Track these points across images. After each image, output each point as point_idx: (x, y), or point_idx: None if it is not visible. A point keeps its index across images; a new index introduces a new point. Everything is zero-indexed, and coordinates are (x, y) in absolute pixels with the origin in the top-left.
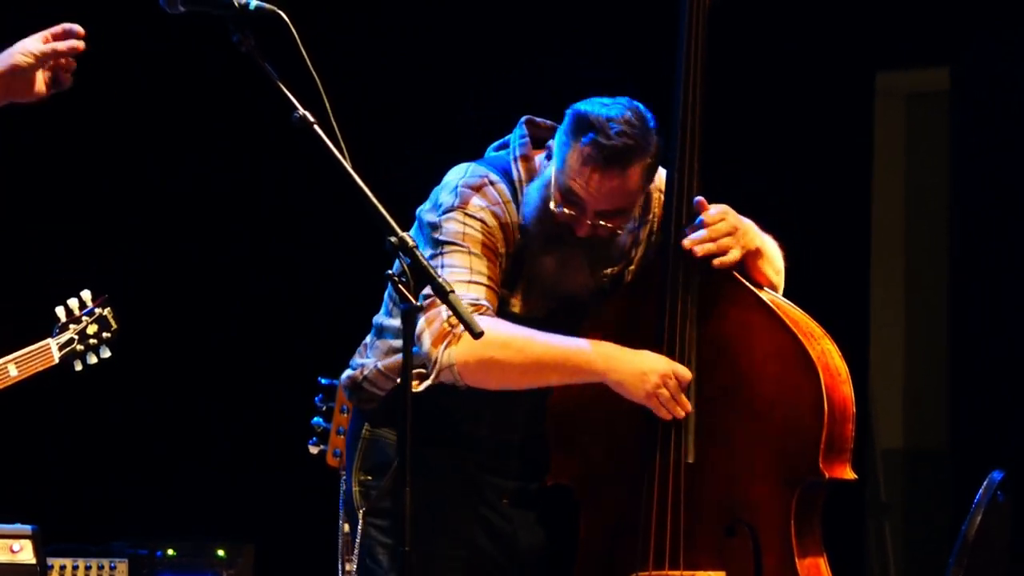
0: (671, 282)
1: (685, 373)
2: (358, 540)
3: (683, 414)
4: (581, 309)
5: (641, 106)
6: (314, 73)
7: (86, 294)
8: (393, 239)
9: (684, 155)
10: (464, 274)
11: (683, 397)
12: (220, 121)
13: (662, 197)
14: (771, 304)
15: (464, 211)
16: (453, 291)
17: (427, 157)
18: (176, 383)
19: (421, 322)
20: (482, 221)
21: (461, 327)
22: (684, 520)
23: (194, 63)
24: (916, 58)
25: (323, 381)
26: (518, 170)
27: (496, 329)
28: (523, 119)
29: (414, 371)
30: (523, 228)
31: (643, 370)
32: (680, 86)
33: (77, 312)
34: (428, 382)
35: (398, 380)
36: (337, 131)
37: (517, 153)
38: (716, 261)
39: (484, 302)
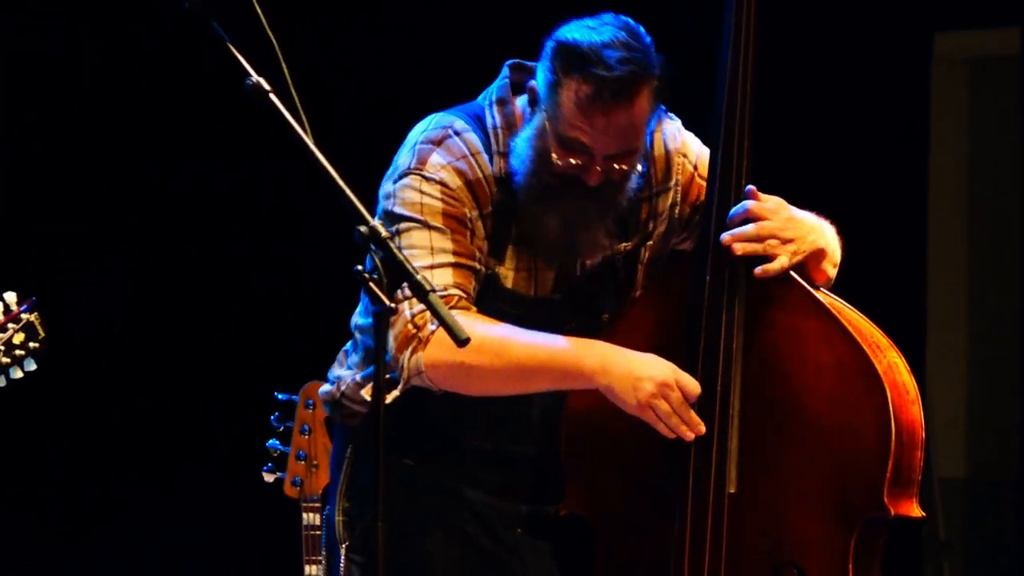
0: (712, 280)
1: (692, 386)
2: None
3: (691, 436)
4: (587, 293)
5: (629, 20)
6: (271, 34)
7: (11, 296)
8: (363, 228)
9: (732, 136)
10: (425, 256)
11: (692, 414)
12: (204, 119)
13: (686, 163)
14: (830, 308)
15: (420, 173)
16: (433, 290)
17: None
18: (104, 398)
19: (389, 338)
20: (442, 184)
21: (429, 327)
22: (724, 561)
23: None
24: (980, 17)
25: (280, 397)
26: (492, 116)
27: (469, 329)
28: (509, 62)
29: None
30: (514, 185)
31: (638, 376)
32: (728, 54)
33: (1, 319)
34: (397, 392)
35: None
36: (298, 102)
37: (493, 97)
38: (758, 270)
39: (453, 291)
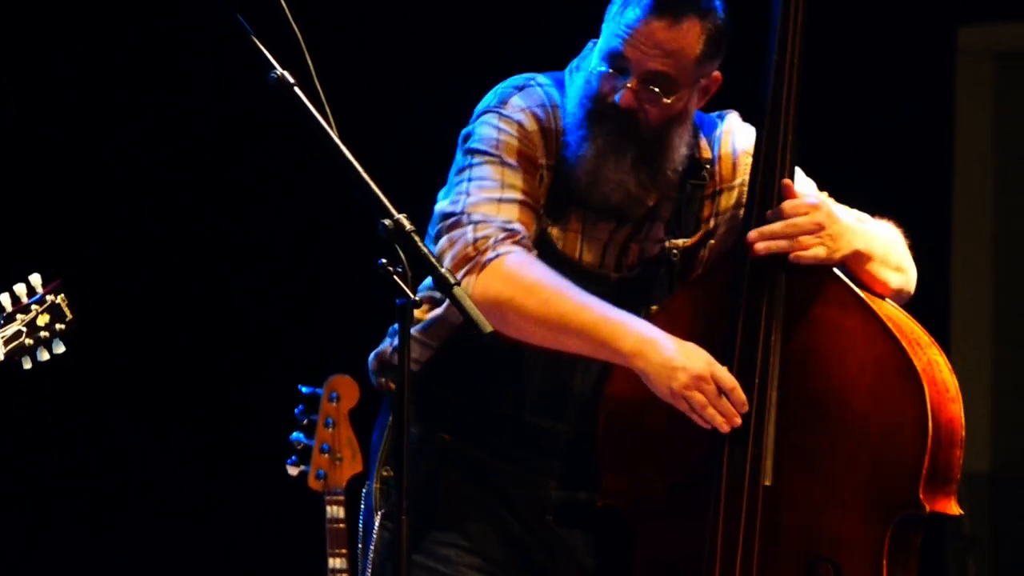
0: (752, 274)
1: (727, 379)
2: (372, 546)
3: (727, 428)
4: (640, 282)
5: None
6: (294, 26)
7: (35, 279)
8: (387, 222)
9: (776, 128)
10: (494, 189)
11: (727, 405)
12: (202, 100)
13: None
14: (871, 304)
15: (500, 112)
16: (458, 283)
17: (432, 130)
18: (125, 390)
19: (443, 241)
20: (519, 124)
21: (489, 254)
22: (757, 554)
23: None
24: (1006, 10)
25: (304, 390)
26: (571, 79)
27: (526, 268)
28: (593, 41)
29: (427, 295)
30: (568, 140)
31: (674, 364)
32: (775, 49)
33: (25, 300)
34: (439, 311)
35: (435, 345)
36: (322, 95)
37: (575, 65)
38: (792, 256)
39: (516, 226)
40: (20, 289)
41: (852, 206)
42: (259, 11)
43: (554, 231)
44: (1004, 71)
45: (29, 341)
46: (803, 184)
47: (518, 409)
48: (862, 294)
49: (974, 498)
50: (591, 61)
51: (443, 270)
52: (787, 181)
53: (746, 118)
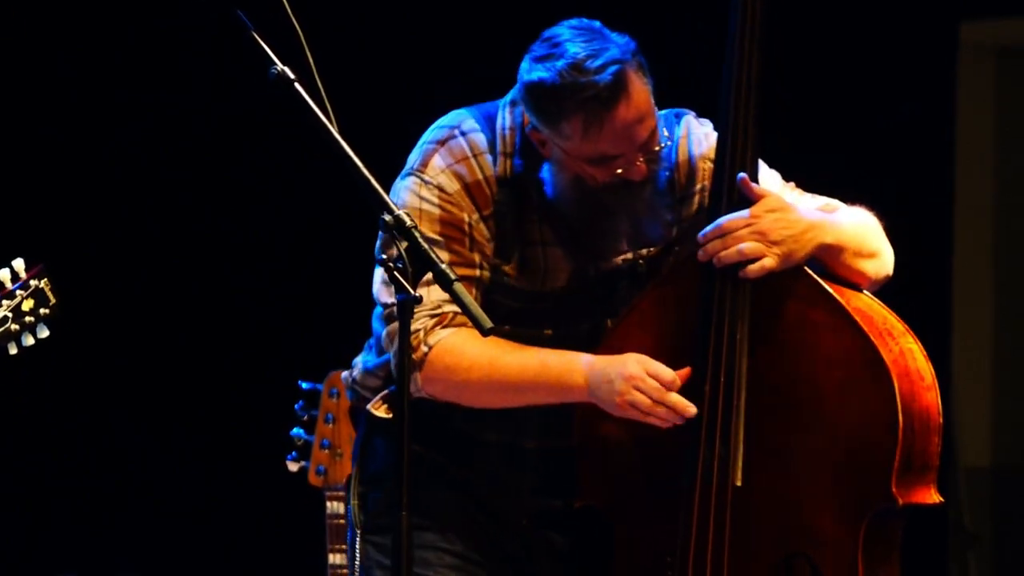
0: (718, 273)
1: (664, 372)
2: (356, 562)
3: (680, 421)
4: (605, 293)
5: (568, 22)
6: (295, 22)
7: (19, 263)
8: (388, 218)
9: (738, 121)
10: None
11: (674, 398)
12: (200, 89)
13: (711, 167)
14: (837, 298)
15: (421, 176)
16: (457, 279)
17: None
18: (125, 387)
19: (384, 338)
20: (439, 188)
21: (423, 348)
22: (729, 553)
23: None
24: (1008, 5)
25: (304, 385)
26: (503, 116)
27: (458, 351)
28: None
29: (383, 396)
30: (558, 207)
31: (608, 377)
32: (734, 38)
33: (9, 285)
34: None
35: (383, 376)
36: (322, 91)
37: (508, 98)
38: (741, 272)
39: (448, 307)
40: (3, 274)
41: (853, 202)
42: (259, 7)
43: (506, 268)
44: (1006, 67)
45: (15, 327)
46: (766, 177)
47: (481, 430)
48: (828, 287)
49: (975, 494)
50: (560, 163)
51: (443, 266)
52: (744, 178)
53: (709, 117)
